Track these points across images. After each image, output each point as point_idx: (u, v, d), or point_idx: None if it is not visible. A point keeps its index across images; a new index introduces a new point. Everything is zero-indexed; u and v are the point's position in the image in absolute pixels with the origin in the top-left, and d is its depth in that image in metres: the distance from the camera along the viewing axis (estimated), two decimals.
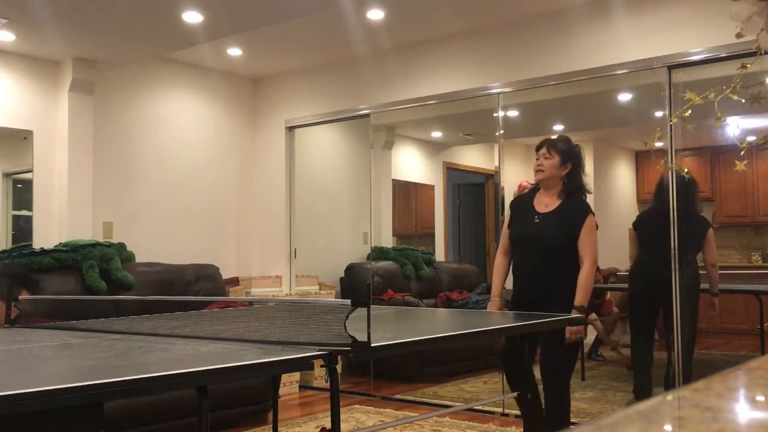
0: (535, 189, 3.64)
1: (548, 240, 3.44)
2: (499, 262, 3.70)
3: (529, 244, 3.50)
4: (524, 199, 3.65)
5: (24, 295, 3.50)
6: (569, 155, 3.53)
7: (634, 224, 4.88)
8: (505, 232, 3.69)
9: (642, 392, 4.76)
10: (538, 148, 3.58)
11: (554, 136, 3.65)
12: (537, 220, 3.51)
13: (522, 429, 3.19)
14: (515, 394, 3.48)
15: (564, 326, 3.19)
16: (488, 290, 6.24)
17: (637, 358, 4.82)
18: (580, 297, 3.34)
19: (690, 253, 4.53)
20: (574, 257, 3.41)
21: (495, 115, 5.12)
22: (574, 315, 3.23)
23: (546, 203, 3.54)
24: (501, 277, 3.68)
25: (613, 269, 5.34)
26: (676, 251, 4.32)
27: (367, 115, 5.80)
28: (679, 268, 4.46)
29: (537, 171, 3.56)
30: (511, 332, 3.08)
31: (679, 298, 4.47)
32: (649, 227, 4.78)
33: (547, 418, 3.50)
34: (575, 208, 3.48)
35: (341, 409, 4.77)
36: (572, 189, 3.52)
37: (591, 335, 5.57)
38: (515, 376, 3.59)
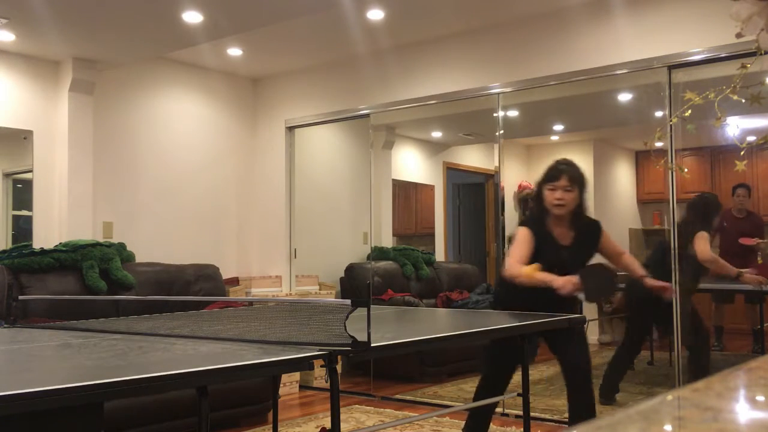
0: (541, 215, 3.46)
1: (574, 270, 3.32)
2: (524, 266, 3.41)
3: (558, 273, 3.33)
4: (541, 226, 3.45)
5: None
6: (584, 184, 3.44)
7: None
8: (527, 250, 3.39)
9: (608, 394, 4.74)
10: (555, 177, 3.38)
11: (566, 164, 3.44)
12: (564, 254, 3.40)
13: (522, 429, 3.18)
14: (515, 394, 3.47)
15: (564, 326, 3.18)
16: (488, 290, 6.26)
17: (619, 360, 4.82)
18: (639, 267, 3.54)
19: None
20: None
21: (495, 115, 5.12)
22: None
23: (564, 234, 3.44)
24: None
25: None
26: (677, 252, 4.32)
27: (367, 115, 5.80)
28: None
29: (557, 206, 3.37)
30: (511, 332, 3.08)
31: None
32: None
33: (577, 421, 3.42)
34: (590, 231, 3.48)
35: (341, 409, 4.77)
36: (580, 213, 3.46)
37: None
38: (500, 379, 3.56)
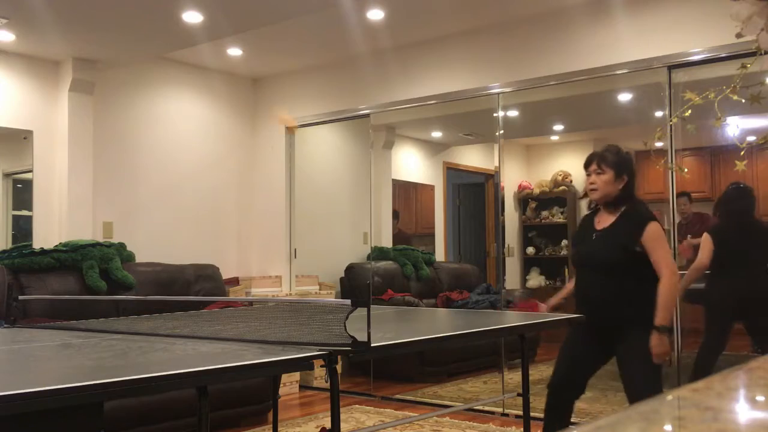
0: (597, 208, 3.37)
1: (603, 257, 3.20)
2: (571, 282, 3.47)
3: (586, 263, 3.29)
4: (587, 219, 3.41)
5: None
6: (623, 167, 3.23)
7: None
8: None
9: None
10: (588, 164, 3.29)
11: (601, 149, 3.32)
12: (594, 238, 3.27)
13: (522, 429, 3.17)
14: (514, 394, 3.46)
15: (564, 326, 3.17)
16: (488, 290, 6.26)
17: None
18: (661, 316, 3.03)
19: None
20: (636, 274, 3.13)
21: (495, 115, 5.12)
22: (655, 335, 3.03)
23: (605, 219, 3.29)
24: (567, 290, 3.48)
25: None
26: (674, 250, 4.32)
27: (367, 115, 5.80)
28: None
29: (590, 191, 3.28)
30: (510, 332, 3.08)
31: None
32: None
33: None
34: (632, 218, 3.20)
35: (341, 409, 4.77)
36: (627, 200, 3.24)
37: None
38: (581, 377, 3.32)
